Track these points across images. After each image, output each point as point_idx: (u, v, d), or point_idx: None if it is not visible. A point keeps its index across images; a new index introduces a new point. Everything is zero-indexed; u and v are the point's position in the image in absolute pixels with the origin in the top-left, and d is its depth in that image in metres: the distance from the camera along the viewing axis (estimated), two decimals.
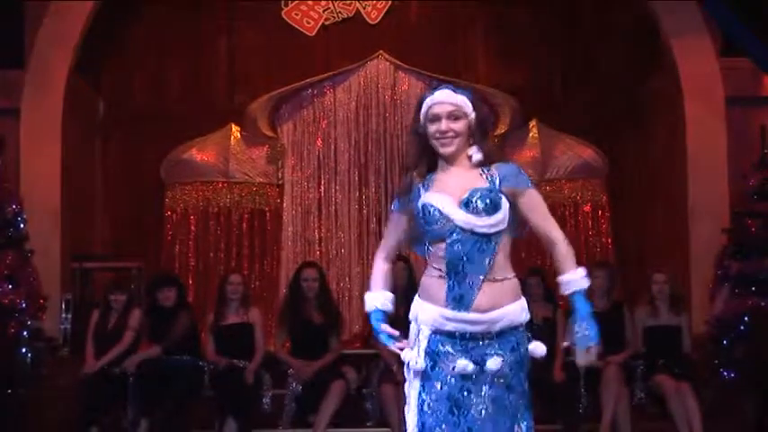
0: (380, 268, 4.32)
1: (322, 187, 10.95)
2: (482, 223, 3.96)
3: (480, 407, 3.94)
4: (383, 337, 4.11)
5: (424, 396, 3.97)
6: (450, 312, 3.96)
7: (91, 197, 10.72)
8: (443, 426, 3.92)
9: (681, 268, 9.43)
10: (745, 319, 8.42)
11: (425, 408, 3.96)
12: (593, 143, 10.73)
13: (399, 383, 7.94)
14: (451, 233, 3.97)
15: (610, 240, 10.66)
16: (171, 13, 11.00)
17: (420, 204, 4.03)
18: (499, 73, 11.03)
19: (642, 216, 10.78)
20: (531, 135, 10.72)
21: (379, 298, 4.27)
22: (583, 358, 3.99)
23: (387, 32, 11.06)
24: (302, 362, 8.34)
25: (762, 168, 8.86)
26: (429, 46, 11.05)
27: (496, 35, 11.12)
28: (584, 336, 3.97)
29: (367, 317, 4.31)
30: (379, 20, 11.03)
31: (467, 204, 3.97)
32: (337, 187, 10.91)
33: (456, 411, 3.93)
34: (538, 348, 4.08)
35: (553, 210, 10.32)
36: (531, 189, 4.12)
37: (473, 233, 3.96)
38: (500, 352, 3.98)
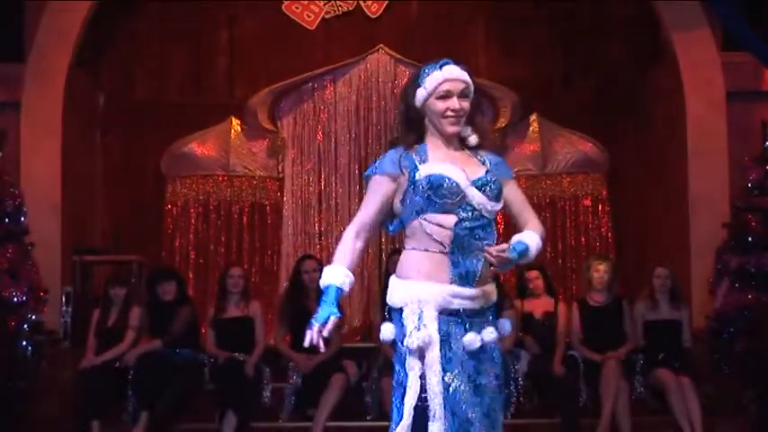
0: (350, 244, 3.98)
1: (322, 181, 10.94)
2: (491, 207, 3.95)
3: (492, 385, 3.92)
4: (320, 318, 3.79)
5: (447, 379, 3.82)
6: (457, 289, 3.88)
7: (91, 190, 10.72)
8: (474, 408, 3.84)
9: (681, 262, 9.43)
10: (746, 313, 8.43)
11: (451, 391, 3.82)
12: (594, 137, 10.72)
13: None
14: (463, 209, 3.91)
15: (610, 234, 10.65)
16: (171, 6, 10.98)
17: (426, 174, 3.90)
18: (499, 66, 11.03)
19: (642, 210, 10.78)
20: (531, 129, 10.72)
21: (338, 274, 3.91)
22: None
23: (387, 26, 11.05)
24: (303, 355, 8.34)
25: (762, 163, 8.86)
26: (429, 40, 11.02)
27: (497, 29, 11.12)
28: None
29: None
30: (379, 13, 11.02)
31: (481, 186, 3.94)
32: (337, 181, 10.90)
33: (477, 392, 3.86)
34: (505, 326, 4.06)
35: (553, 203, 10.57)
36: (514, 180, 4.15)
37: (481, 214, 3.93)
38: (492, 326, 3.97)
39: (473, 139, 4.07)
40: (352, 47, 10.99)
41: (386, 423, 8.20)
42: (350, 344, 9.34)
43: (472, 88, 4.03)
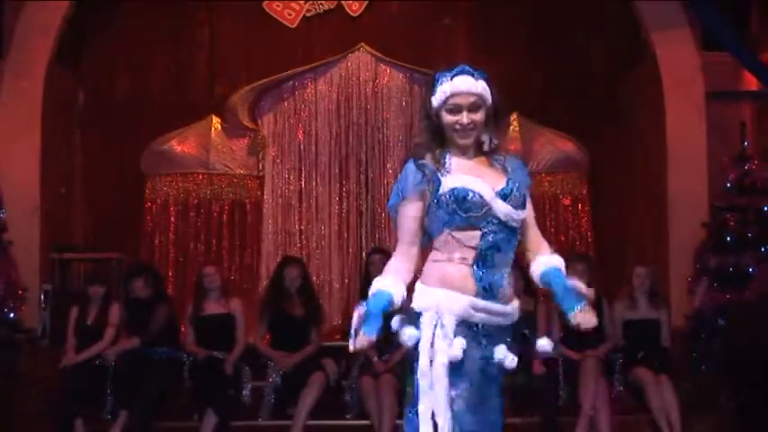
0: (398, 265, 3.87)
1: (303, 179, 10.93)
2: (517, 217, 3.87)
3: (494, 397, 3.87)
4: (368, 329, 3.71)
5: (453, 394, 3.73)
6: (481, 302, 3.78)
7: (70, 188, 10.67)
8: (478, 423, 3.77)
9: (660, 262, 9.46)
10: (724, 312, 8.46)
11: (456, 406, 3.73)
12: (574, 136, 10.74)
13: (378, 375, 7.97)
14: (488, 222, 3.82)
15: (590, 233, 10.68)
16: (152, 4, 10.93)
17: (450, 188, 3.79)
18: (480, 66, 10.84)
19: (622, 210, 10.80)
20: (511, 128, 10.70)
21: (389, 283, 3.82)
22: (581, 320, 3.83)
23: (368, 25, 11.04)
24: (282, 354, 8.33)
25: (741, 162, 8.90)
26: (410, 38, 11.04)
27: (477, 28, 11.12)
28: (570, 301, 3.85)
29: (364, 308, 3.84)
30: (360, 12, 11.01)
31: (506, 196, 3.85)
32: (318, 179, 10.89)
33: (483, 404, 3.81)
34: (546, 344, 4.01)
35: (533, 203, 10.52)
36: (528, 189, 4.03)
37: (506, 225, 3.85)
38: (511, 346, 3.89)
39: (493, 144, 3.95)
40: (332, 45, 10.98)
41: (365, 422, 8.24)
42: (329, 342, 9.32)
43: (487, 97, 3.93)
